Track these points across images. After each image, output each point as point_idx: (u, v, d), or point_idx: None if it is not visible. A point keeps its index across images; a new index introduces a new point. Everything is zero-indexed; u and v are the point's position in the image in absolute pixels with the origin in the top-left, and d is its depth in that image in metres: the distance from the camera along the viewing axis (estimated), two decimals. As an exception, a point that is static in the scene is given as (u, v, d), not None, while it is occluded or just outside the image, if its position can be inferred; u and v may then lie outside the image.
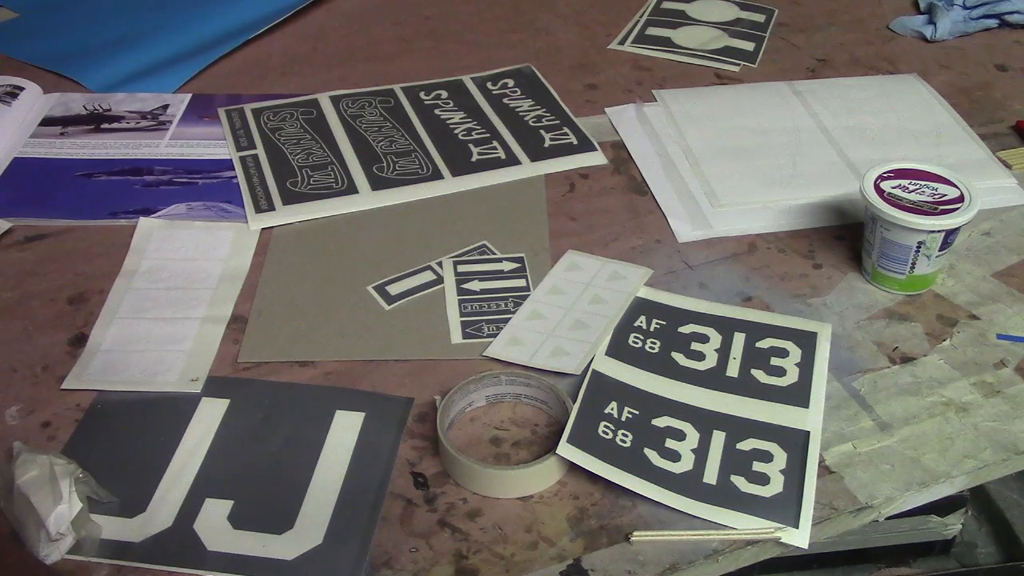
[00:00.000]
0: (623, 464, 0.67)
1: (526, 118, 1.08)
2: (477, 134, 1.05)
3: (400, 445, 0.71)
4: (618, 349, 0.77)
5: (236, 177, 0.98)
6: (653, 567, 0.63)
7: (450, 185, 0.98)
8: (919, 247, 0.80)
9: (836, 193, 0.94)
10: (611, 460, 0.67)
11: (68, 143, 1.04)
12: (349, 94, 1.12)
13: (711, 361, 0.76)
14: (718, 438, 0.70)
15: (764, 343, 0.78)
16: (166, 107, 1.10)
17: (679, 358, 0.77)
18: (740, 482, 0.67)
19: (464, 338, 0.79)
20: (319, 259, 0.89)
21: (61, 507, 0.62)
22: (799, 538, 0.64)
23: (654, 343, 0.78)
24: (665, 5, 1.33)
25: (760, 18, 1.29)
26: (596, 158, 1.02)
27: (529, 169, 1.00)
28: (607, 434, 0.69)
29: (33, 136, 1.06)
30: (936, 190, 0.82)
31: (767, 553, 0.65)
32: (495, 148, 1.03)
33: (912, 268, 0.82)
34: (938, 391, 0.75)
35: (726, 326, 0.79)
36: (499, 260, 0.88)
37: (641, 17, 1.30)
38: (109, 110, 1.10)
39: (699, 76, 1.16)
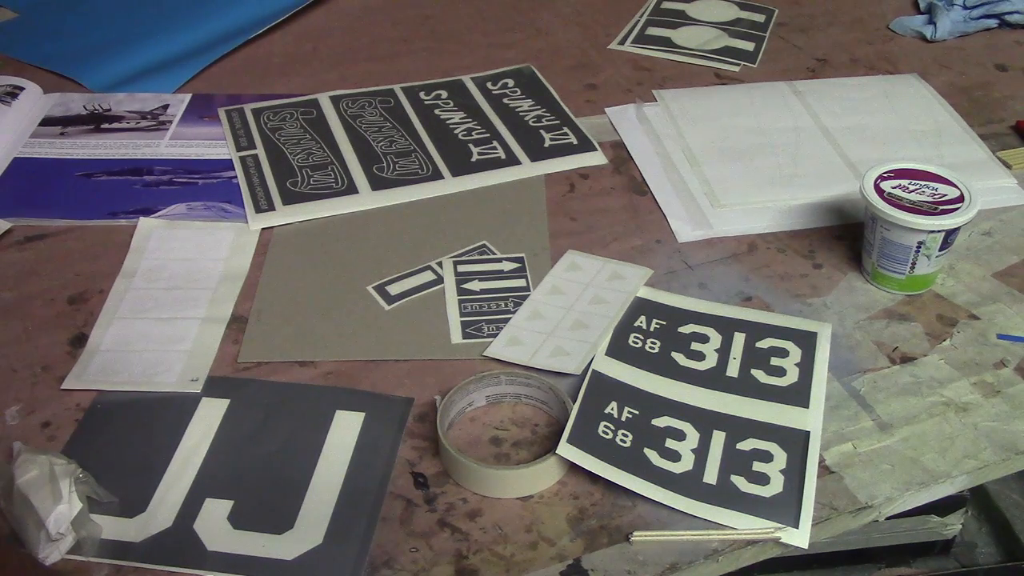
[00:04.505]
0: (623, 464, 0.67)
1: (526, 118, 1.08)
2: (477, 134, 1.05)
3: (400, 445, 0.71)
4: (618, 349, 0.77)
5: (236, 177, 0.98)
6: (653, 567, 0.63)
7: (450, 185, 0.98)
8: (919, 247, 0.80)
9: (836, 193, 0.94)
10: (611, 460, 0.67)
11: (68, 143, 1.04)
12: (349, 94, 1.12)
13: (711, 361, 0.76)
14: (718, 438, 0.70)
15: (764, 343, 0.78)
16: (166, 107, 1.10)
17: (679, 358, 0.77)
18: (740, 482, 0.67)
19: (464, 338, 0.79)
20: (319, 259, 0.89)
21: (61, 507, 0.62)
22: (799, 538, 0.64)
23: (654, 343, 0.78)
24: (665, 5, 1.33)
25: (760, 18, 1.29)
26: (596, 158, 1.02)
27: (529, 169, 1.00)
28: (607, 434, 0.69)
29: (33, 136, 1.06)
30: (936, 190, 0.82)
31: (767, 553, 0.65)
32: (495, 148, 1.03)
33: (912, 268, 0.82)
34: (938, 391, 0.75)
35: (726, 326, 0.79)
36: (499, 260, 0.88)
37: (641, 17, 1.30)
38: (109, 110, 1.10)
39: (699, 76, 1.16)
